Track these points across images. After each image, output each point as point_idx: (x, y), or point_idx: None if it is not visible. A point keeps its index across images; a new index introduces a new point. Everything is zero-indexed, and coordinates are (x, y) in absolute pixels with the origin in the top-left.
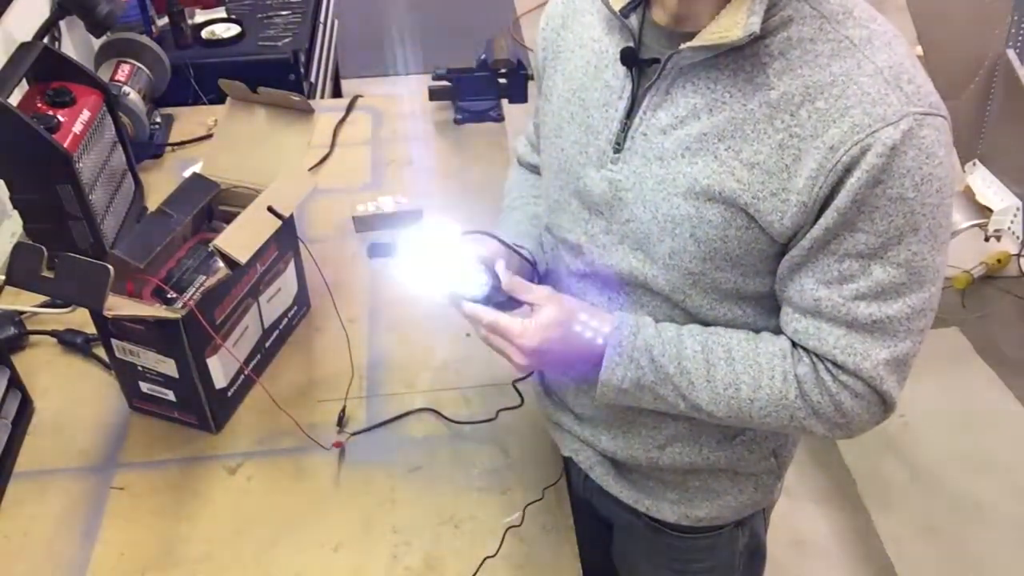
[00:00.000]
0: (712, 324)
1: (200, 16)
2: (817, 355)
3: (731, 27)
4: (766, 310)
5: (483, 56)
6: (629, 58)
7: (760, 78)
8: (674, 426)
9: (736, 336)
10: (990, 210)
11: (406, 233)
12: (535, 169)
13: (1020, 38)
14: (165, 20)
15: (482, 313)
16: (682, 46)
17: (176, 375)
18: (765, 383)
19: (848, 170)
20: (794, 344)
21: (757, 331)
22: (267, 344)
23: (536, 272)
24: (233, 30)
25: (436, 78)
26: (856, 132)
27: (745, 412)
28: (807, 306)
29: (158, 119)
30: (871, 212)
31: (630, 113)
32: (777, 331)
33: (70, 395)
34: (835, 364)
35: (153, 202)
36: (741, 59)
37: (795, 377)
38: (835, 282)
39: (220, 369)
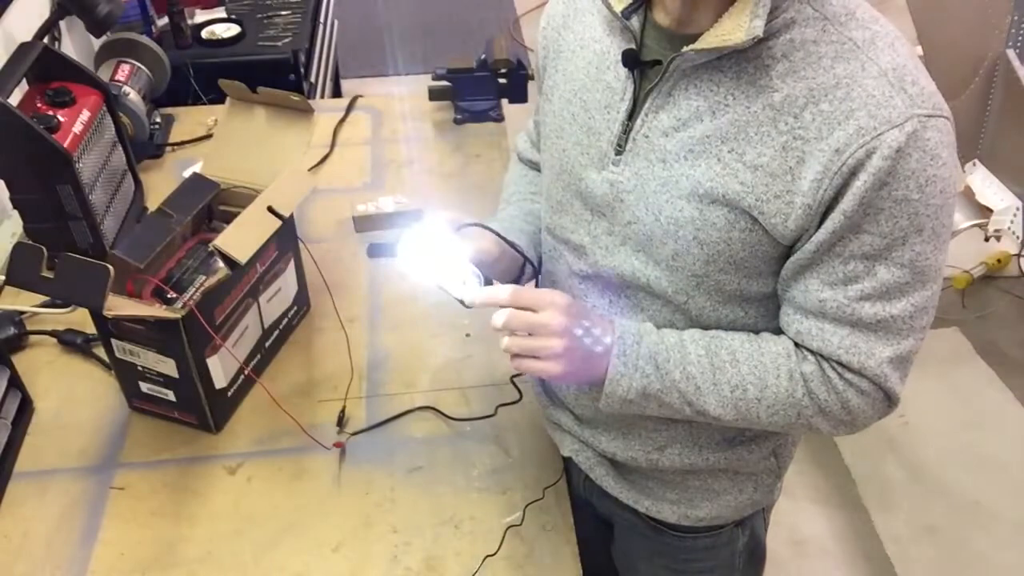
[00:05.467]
0: (714, 326)
1: (200, 16)
2: (822, 355)
3: (734, 30)
4: (769, 311)
5: (483, 56)
6: (631, 60)
7: (763, 80)
8: (674, 427)
9: (738, 338)
10: (990, 210)
11: (407, 232)
12: (534, 165)
13: (1020, 38)
14: (165, 20)
15: (503, 290)
16: (685, 49)
17: (176, 375)
18: (771, 382)
19: (853, 173)
20: (796, 344)
21: (758, 332)
22: (267, 344)
23: (532, 266)
24: (233, 30)
25: (436, 78)
26: (861, 135)
27: (753, 413)
28: (811, 307)
29: (158, 119)
30: (876, 214)
31: (632, 115)
32: (778, 332)
33: (70, 395)
34: (840, 363)
35: (153, 202)
36: (744, 61)
37: (801, 375)
38: (840, 283)
39: (220, 369)
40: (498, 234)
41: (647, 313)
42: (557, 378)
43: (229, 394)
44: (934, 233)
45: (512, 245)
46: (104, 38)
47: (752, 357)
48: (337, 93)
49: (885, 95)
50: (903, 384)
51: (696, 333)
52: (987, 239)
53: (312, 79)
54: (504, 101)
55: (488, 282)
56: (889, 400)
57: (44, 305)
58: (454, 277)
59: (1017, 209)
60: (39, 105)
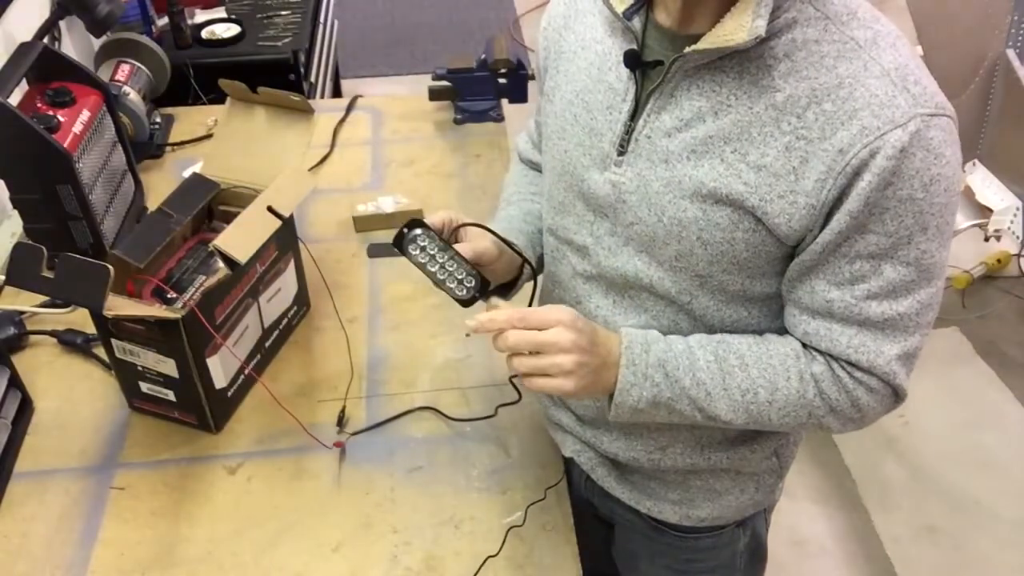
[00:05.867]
0: (718, 325)
1: (200, 16)
2: (830, 355)
3: (736, 30)
4: (772, 311)
5: (483, 56)
6: (632, 61)
7: (765, 80)
8: (676, 427)
9: (745, 341)
10: (990, 210)
11: (407, 232)
12: (535, 166)
13: (1020, 38)
14: (165, 20)
15: (505, 311)
16: (687, 49)
17: (176, 375)
18: (782, 385)
19: (857, 173)
20: (804, 345)
21: (762, 332)
22: (267, 344)
23: (531, 267)
24: (233, 30)
25: (436, 78)
26: (865, 135)
27: (764, 415)
28: (818, 307)
29: (158, 119)
30: (881, 214)
31: (634, 115)
32: (782, 332)
33: (70, 395)
34: (849, 362)
35: (153, 202)
36: (746, 61)
37: (811, 376)
38: (847, 283)
39: (220, 369)
40: (497, 235)
41: (651, 313)
42: (570, 394)
43: (229, 394)
44: (938, 231)
45: (511, 246)
46: (104, 38)
47: (761, 360)
48: (337, 93)
49: (888, 95)
50: (909, 379)
51: (703, 338)
52: (987, 239)
53: (312, 79)
54: (504, 101)
55: (486, 283)
56: (897, 396)
57: (44, 305)
58: (452, 277)
59: (1017, 209)
60: (39, 105)
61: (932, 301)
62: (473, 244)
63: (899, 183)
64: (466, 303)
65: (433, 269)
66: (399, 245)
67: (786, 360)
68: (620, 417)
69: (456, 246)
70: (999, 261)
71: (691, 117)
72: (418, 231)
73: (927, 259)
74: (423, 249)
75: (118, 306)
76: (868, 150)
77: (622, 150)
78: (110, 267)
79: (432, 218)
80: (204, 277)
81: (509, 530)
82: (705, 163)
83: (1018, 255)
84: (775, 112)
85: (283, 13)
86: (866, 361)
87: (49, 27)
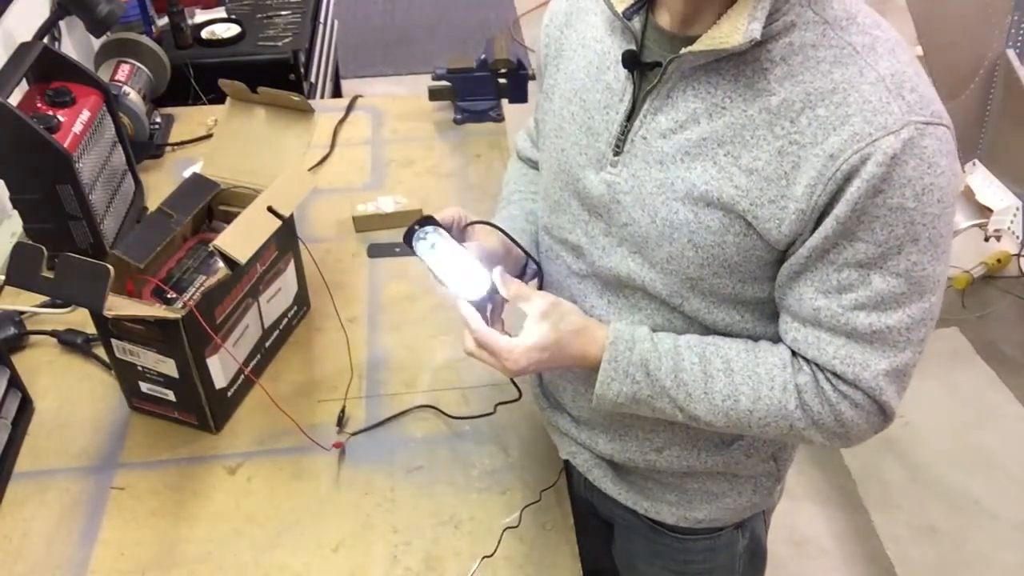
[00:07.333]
0: (711, 328)
1: (200, 16)
2: (817, 365)
3: (731, 33)
4: (765, 315)
5: (483, 56)
6: (630, 61)
7: (761, 84)
8: (671, 429)
9: (735, 346)
10: (990, 210)
11: (417, 230)
12: (534, 164)
13: (1020, 38)
14: (165, 20)
15: (474, 322)
16: (682, 51)
17: (176, 375)
18: (764, 394)
19: (848, 179)
20: (793, 353)
21: (756, 336)
22: (267, 344)
23: (537, 265)
24: (233, 30)
25: (436, 78)
26: (856, 141)
27: (744, 422)
28: (806, 315)
29: (158, 119)
30: (871, 222)
31: (630, 116)
32: (776, 338)
33: (70, 395)
34: (835, 374)
35: (153, 202)
36: (742, 64)
37: (795, 387)
38: (834, 291)
39: (220, 369)
40: (505, 233)
41: (644, 312)
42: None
43: (229, 394)
44: (931, 243)
45: (518, 245)
46: (104, 38)
47: (747, 367)
48: (337, 93)
49: (882, 101)
50: (900, 398)
51: (693, 339)
52: (987, 239)
53: (312, 79)
54: (504, 101)
55: (493, 283)
56: (884, 414)
57: (44, 305)
58: (460, 275)
59: (1017, 209)
60: (39, 105)
61: (925, 317)
62: (481, 242)
63: (890, 191)
64: (475, 302)
65: (443, 266)
66: (409, 241)
67: (772, 370)
68: (602, 407)
69: (464, 244)
70: (999, 261)
71: (686, 119)
72: (428, 228)
73: (918, 271)
74: (433, 246)
75: (118, 306)
76: (859, 156)
77: (618, 150)
78: (110, 267)
79: (441, 215)
80: (204, 277)
81: (505, 531)
82: (698, 165)
83: (1018, 255)
84: (769, 116)
85: (283, 13)
86: (851, 374)
87: (49, 27)
